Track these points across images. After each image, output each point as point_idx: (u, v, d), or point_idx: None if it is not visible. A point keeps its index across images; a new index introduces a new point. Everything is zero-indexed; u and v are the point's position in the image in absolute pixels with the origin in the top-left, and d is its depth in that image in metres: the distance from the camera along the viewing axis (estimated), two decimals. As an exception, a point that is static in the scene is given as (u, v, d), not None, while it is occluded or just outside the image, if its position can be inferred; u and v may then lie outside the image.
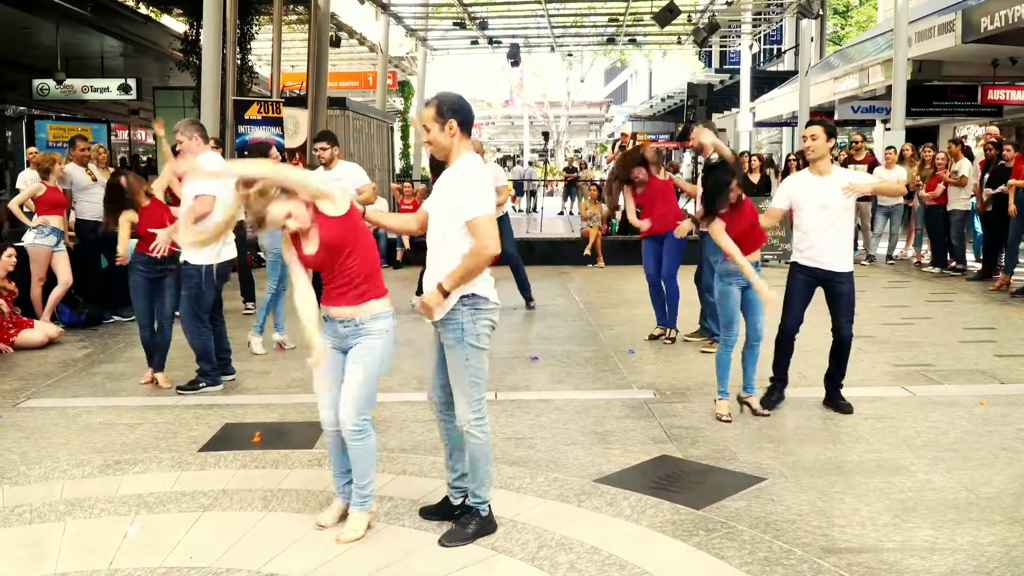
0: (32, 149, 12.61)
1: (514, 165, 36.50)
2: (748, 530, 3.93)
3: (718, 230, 5.48)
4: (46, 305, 8.60)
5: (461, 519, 3.92)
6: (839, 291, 5.69)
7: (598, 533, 3.88)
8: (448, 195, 3.76)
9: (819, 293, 5.79)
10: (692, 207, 8.00)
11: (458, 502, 4.03)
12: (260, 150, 7.86)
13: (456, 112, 3.77)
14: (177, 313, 6.56)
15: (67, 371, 7.17)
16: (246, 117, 13.45)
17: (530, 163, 38.90)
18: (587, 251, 14.11)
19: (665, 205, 7.95)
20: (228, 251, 6.51)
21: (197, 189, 6.17)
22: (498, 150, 33.93)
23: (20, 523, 4.07)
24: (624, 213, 16.46)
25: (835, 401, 5.86)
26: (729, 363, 5.69)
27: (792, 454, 5.00)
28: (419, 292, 4.52)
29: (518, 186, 24.91)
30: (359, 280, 3.80)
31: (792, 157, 13.81)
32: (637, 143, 7.92)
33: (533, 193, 24.80)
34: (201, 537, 3.89)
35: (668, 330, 8.10)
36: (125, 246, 6.42)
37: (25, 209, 8.91)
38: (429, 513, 4.10)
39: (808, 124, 5.81)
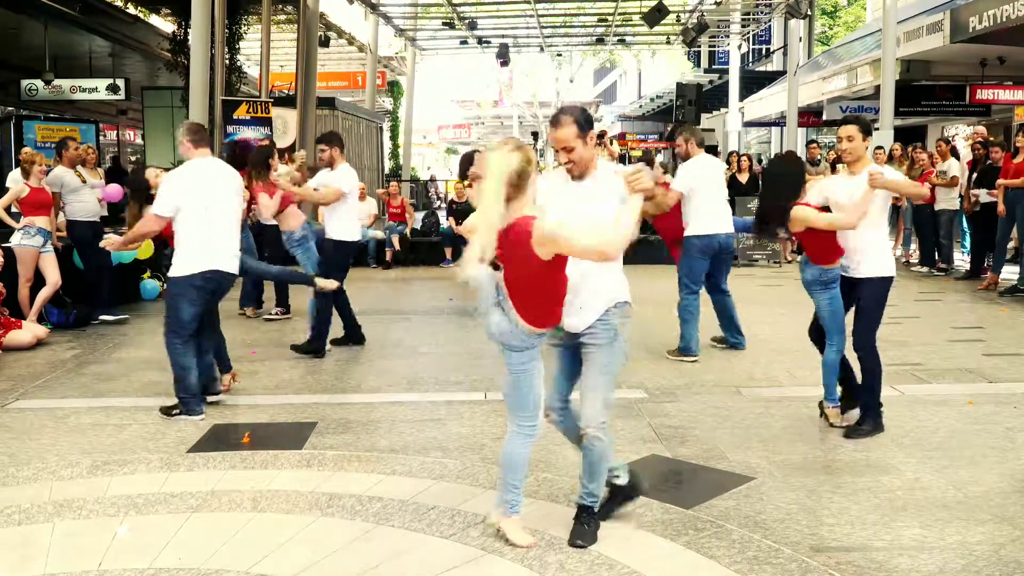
0: (26, 149, 12.57)
1: None
2: (737, 529, 3.94)
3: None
4: (33, 306, 8.56)
5: (585, 520, 3.84)
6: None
7: (588, 533, 3.88)
8: (602, 204, 3.70)
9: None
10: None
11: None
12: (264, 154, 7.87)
13: (590, 122, 3.72)
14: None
15: (55, 372, 7.14)
16: (235, 117, 13.44)
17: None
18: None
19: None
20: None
21: None
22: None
23: (9, 524, 4.05)
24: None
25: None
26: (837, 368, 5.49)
27: (781, 453, 5.01)
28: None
29: None
30: None
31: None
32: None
33: None
34: (190, 538, 3.88)
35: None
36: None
37: (14, 210, 8.88)
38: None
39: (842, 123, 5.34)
